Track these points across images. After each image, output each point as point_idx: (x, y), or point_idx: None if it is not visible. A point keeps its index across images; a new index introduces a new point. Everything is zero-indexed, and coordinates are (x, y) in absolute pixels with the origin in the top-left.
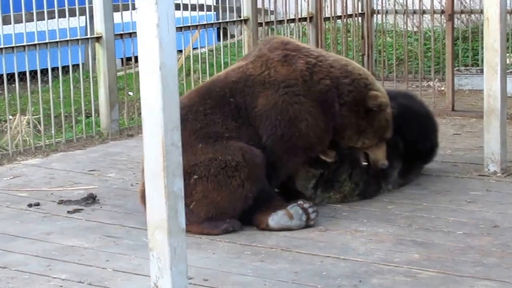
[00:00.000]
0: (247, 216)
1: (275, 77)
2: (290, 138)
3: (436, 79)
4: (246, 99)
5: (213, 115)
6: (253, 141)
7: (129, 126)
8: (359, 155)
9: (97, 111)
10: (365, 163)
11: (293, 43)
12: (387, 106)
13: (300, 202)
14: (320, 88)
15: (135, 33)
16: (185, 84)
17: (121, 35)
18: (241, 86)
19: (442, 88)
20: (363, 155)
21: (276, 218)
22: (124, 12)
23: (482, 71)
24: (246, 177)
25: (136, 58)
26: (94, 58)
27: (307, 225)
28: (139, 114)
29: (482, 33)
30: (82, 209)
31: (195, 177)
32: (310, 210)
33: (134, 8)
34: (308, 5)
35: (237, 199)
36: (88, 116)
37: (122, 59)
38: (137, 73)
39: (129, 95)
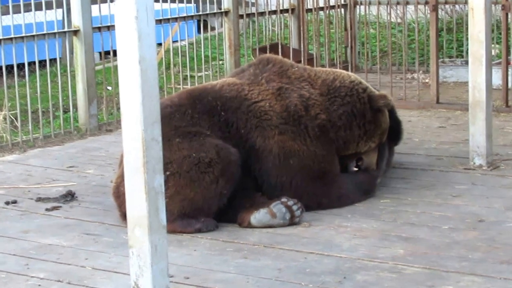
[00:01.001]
0: (229, 214)
1: (270, 115)
2: (295, 176)
3: (421, 71)
4: (239, 123)
5: (201, 120)
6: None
7: (108, 121)
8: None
9: (75, 106)
10: (355, 169)
11: (286, 74)
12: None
13: (284, 199)
14: (318, 124)
15: (113, 26)
16: (165, 78)
17: (99, 28)
18: (234, 106)
19: (427, 80)
20: (354, 161)
21: (258, 217)
22: (102, 5)
23: (467, 62)
24: (219, 173)
25: (114, 52)
26: (71, 52)
27: (291, 223)
28: (118, 108)
29: (466, 24)
30: (60, 207)
31: (168, 173)
32: (294, 207)
33: (112, 0)
34: None
35: (211, 196)
36: (66, 111)
37: (100, 53)
38: (116, 67)
39: (108, 89)
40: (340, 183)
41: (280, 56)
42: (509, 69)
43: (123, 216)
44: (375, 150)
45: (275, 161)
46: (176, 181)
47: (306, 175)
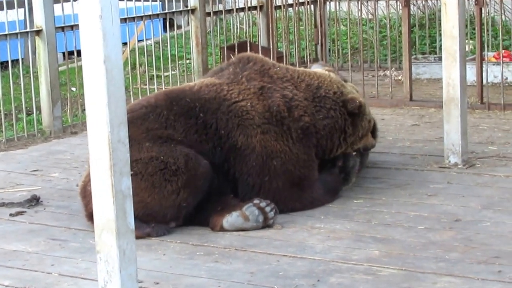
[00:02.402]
0: (201, 217)
1: (252, 115)
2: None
3: (393, 68)
4: (219, 123)
5: (176, 123)
6: (208, 159)
7: (72, 123)
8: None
9: (38, 108)
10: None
11: (268, 73)
12: (366, 107)
13: (256, 201)
14: (301, 125)
15: (77, 25)
16: (130, 78)
17: (62, 27)
18: (214, 107)
19: (399, 77)
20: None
21: (230, 220)
22: (65, 4)
23: (440, 59)
24: (183, 184)
25: (78, 52)
26: (34, 53)
27: (265, 226)
28: (83, 110)
29: (439, 20)
30: (25, 212)
31: (131, 172)
32: (267, 209)
33: None
34: None
35: (169, 206)
36: (29, 113)
37: (64, 53)
38: (80, 67)
39: (72, 90)
40: (314, 188)
41: (261, 55)
42: (484, 65)
43: (89, 216)
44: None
45: (258, 160)
46: (137, 182)
47: (287, 178)
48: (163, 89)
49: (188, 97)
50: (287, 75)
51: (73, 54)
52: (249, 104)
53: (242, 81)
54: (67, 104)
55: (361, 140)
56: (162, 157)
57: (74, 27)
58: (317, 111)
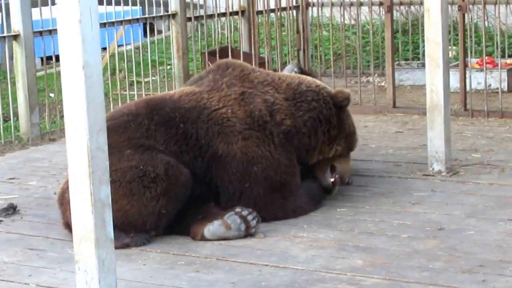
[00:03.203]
0: (181, 226)
1: (233, 122)
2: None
3: (376, 74)
4: (200, 132)
5: (157, 133)
6: (189, 170)
7: (50, 130)
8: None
9: (16, 115)
10: (331, 180)
11: (248, 78)
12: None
13: (238, 209)
14: (283, 130)
15: (55, 30)
16: (110, 84)
17: (40, 32)
18: (194, 117)
19: (382, 84)
20: (329, 171)
21: (212, 229)
22: (43, 8)
23: (423, 65)
24: (163, 192)
25: (57, 57)
26: (11, 58)
27: (247, 235)
28: (62, 116)
29: (422, 26)
30: (1, 221)
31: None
32: (249, 217)
33: (54, 3)
34: None
35: (149, 213)
36: (6, 120)
37: (42, 58)
38: (59, 73)
39: (50, 96)
40: (297, 196)
41: (240, 61)
42: (467, 72)
43: (67, 225)
44: (348, 157)
45: (239, 167)
46: (116, 189)
47: (268, 185)
48: (143, 95)
49: (168, 106)
50: (268, 78)
51: (52, 59)
52: (229, 111)
53: (222, 87)
54: (45, 110)
55: (346, 140)
56: (141, 166)
57: (52, 32)
58: (297, 108)
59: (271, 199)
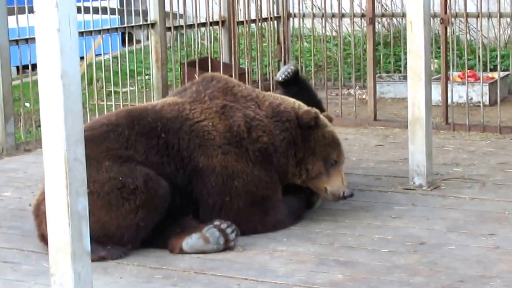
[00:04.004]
0: (159, 239)
1: (213, 135)
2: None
3: (357, 87)
4: (181, 144)
5: (137, 143)
6: (170, 181)
7: (26, 140)
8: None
9: None
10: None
11: (232, 92)
12: (322, 120)
13: (217, 223)
14: (259, 147)
15: (32, 38)
16: (87, 94)
17: (16, 41)
18: (176, 127)
19: (364, 96)
20: (317, 195)
21: (190, 242)
22: (19, 16)
23: (405, 77)
24: (141, 203)
25: (33, 66)
26: None
27: (226, 248)
28: (37, 126)
29: (404, 38)
30: None
31: (87, 191)
32: (228, 230)
33: (31, 11)
34: (220, 8)
35: (127, 226)
36: None
37: (17, 67)
38: (35, 82)
39: (26, 106)
40: (278, 210)
41: (225, 75)
42: (449, 85)
43: (42, 237)
44: (334, 174)
45: (218, 181)
46: (94, 200)
47: (248, 199)
48: (121, 105)
49: (150, 116)
50: (252, 94)
51: (28, 68)
52: (210, 124)
53: (204, 99)
54: (20, 120)
55: (315, 157)
56: (120, 177)
57: (29, 40)
58: (275, 126)
59: (251, 213)
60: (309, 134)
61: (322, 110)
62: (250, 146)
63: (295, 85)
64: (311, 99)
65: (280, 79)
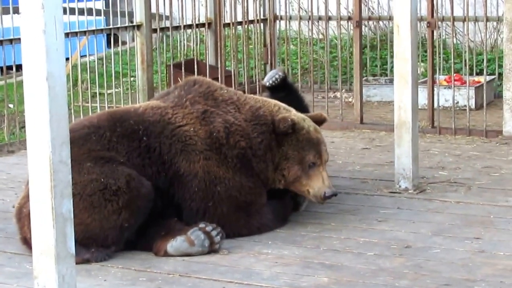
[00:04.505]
0: (144, 242)
1: (195, 140)
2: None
3: (343, 90)
4: (163, 148)
5: (119, 145)
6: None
7: (9, 142)
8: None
9: None
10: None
11: (213, 96)
12: (300, 125)
13: (202, 225)
14: (237, 153)
15: (16, 39)
16: (72, 95)
17: (0, 41)
18: (158, 131)
19: (350, 99)
20: (303, 197)
21: (175, 245)
22: (4, 16)
23: (391, 81)
24: (124, 204)
25: (18, 67)
26: None
27: (211, 251)
28: (21, 127)
29: (391, 41)
30: None
31: None
32: (213, 233)
33: (16, 11)
34: (206, 10)
35: (110, 227)
36: None
37: (1, 67)
38: (19, 83)
39: (9, 107)
40: (262, 214)
41: (209, 79)
42: (435, 89)
43: (23, 240)
44: (313, 175)
45: (201, 186)
46: (76, 203)
47: (231, 204)
48: (106, 107)
49: (132, 119)
50: (233, 97)
51: (12, 69)
52: (192, 129)
53: (186, 104)
54: (3, 121)
55: (289, 163)
56: (102, 179)
57: (13, 41)
58: (253, 130)
59: (236, 218)
60: (282, 139)
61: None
62: (229, 152)
63: (282, 90)
64: (298, 103)
65: (268, 84)
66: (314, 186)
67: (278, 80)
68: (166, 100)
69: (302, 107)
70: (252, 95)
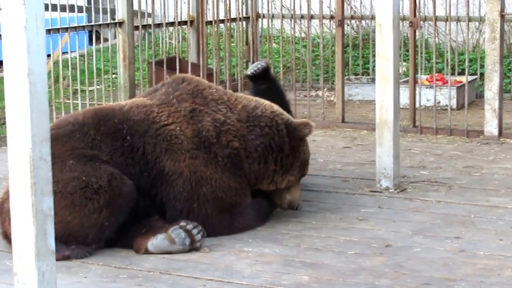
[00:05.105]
0: (125, 239)
1: (181, 139)
2: (205, 204)
3: (325, 89)
4: (146, 147)
5: (102, 144)
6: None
7: None
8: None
9: None
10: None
11: (202, 95)
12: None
13: (183, 223)
14: (229, 153)
15: None
16: (53, 92)
17: None
18: (142, 130)
19: (332, 98)
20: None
21: (156, 243)
22: None
23: (373, 80)
24: (105, 203)
25: None
26: None
27: (192, 249)
28: (1, 124)
29: (373, 40)
30: None
31: None
32: (194, 231)
33: None
34: (188, 7)
35: (91, 225)
36: None
37: None
38: (0, 79)
39: None
40: (245, 215)
41: (197, 77)
42: (417, 88)
43: (4, 235)
44: (298, 185)
45: (186, 186)
46: (57, 200)
47: (216, 206)
48: (88, 104)
49: (116, 117)
50: (223, 97)
51: None
52: (178, 128)
53: (173, 102)
54: None
55: (299, 169)
56: (84, 177)
57: None
58: (249, 131)
59: (219, 219)
60: (298, 145)
61: (289, 110)
62: (219, 152)
63: (264, 81)
64: (280, 99)
65: (249, 73)
66: (293, 196)
67: (260, 69)
68: (152, 98)
69: (283, 103)
70: (242, 93)
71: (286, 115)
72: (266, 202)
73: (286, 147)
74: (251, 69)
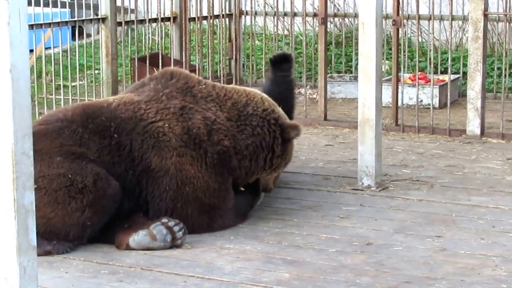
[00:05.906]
0: (107, 235)
1: (169, 137)
2: (187, 204)
3: (308, 86)
4: (134, 144)
5: (90, 142)
6: (119, 182)
7: None
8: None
9: None
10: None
11: (191, 92)
12: None
13: (164, 220)
14: (219, 150)
15: None
16: (36, 87)
17: None
18: (129, 128)
19: (314, 96)
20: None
21: (137, 239)
22: None
23: (355, 78)
24: (89, 203)
25: None
26: None
27: (173, 246)
28: None
29: (356, 38)
30: None
31: (35, 186)
32: (176, 228)
33: None
34: (171, 4)
35: (73, 224)
36: None
37: None
38: None
39: None
40: (224, 217)
41: (187, 71)
42: (399, 86)
43: None
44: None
45: (172, 185)
46: (41, 196)
47: (197, 206)
48: (70, 99)
49: (104, 115)
50: (213, 93)
51: None
52: (166, 125)
53: (162, 99)
54: None
55: (284, 166)
56: (70, 175)
57: None
58: (240, 131)
59: (199, 221)
60: (287, 146)
61: (290, 110)
62: (210, 149)
63: (283, 71)
64: (288, 101)
65: (272, 57)
66: (267, 181)
67: (282, 55)
68: (141, 93)
69: (290, 106)
70: (231, 86)
71: (277, 112)
72: (245, 200)
73: (278, 149)
74: (276, 54)
